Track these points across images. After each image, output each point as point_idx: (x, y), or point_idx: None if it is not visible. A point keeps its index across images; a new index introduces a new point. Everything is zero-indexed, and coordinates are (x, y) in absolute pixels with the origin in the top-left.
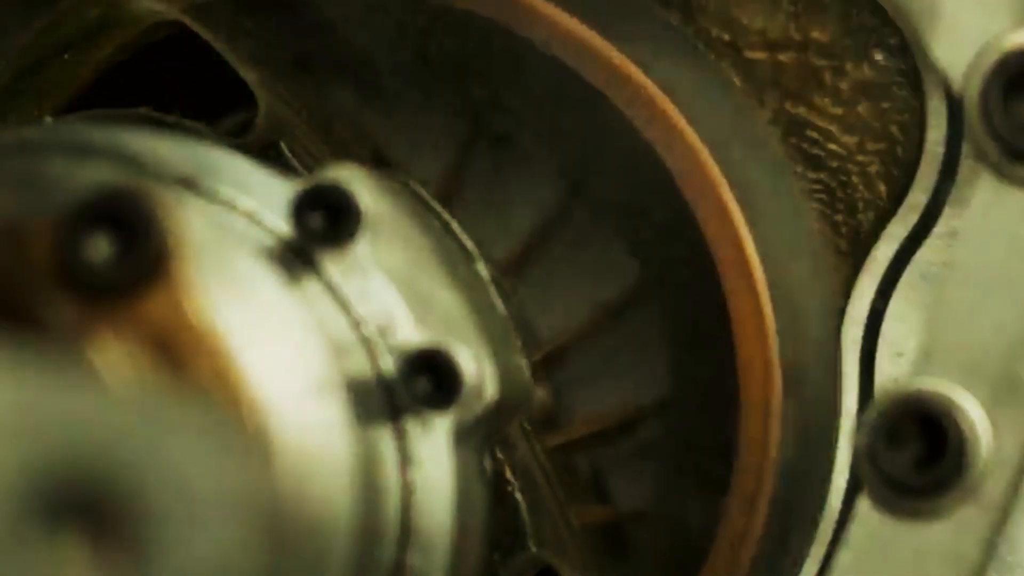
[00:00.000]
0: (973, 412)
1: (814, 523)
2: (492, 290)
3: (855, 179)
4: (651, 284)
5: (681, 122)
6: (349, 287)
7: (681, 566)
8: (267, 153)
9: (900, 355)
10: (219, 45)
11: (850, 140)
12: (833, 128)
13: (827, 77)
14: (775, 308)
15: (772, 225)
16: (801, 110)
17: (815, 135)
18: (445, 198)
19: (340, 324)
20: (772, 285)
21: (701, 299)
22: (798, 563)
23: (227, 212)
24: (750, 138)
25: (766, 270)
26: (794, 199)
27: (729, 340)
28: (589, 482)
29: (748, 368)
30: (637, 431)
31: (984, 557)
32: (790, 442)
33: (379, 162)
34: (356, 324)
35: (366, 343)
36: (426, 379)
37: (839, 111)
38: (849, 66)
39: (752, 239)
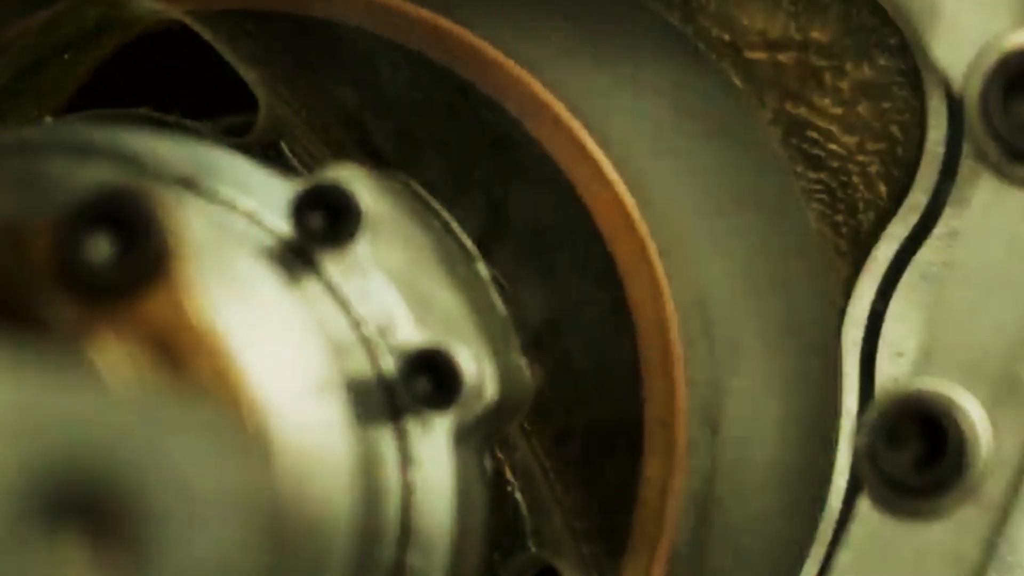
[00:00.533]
0: (973, 412)
1: (814, 523)
2: (492, 290)
3: (855, 179)
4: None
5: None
6: (349, 287)
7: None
8: (267, 153)
9: (900, 355)
10: (219, 45)
11: (850, 140)
12: (833, 128)
13: (827, 77)
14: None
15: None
16: (801, 110)
17: (815, 135)
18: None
19: (340, 324)
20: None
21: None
22: (799, 563)
23: (227, 212)
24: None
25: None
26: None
27: None
28: (588, 484)
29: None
30: None
31: (984, 557)
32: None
33: (379, 162)
34: (356, 324)
35: (366, 343)
36: (426, 379)
37: (839, 111)
38: (849, 66)
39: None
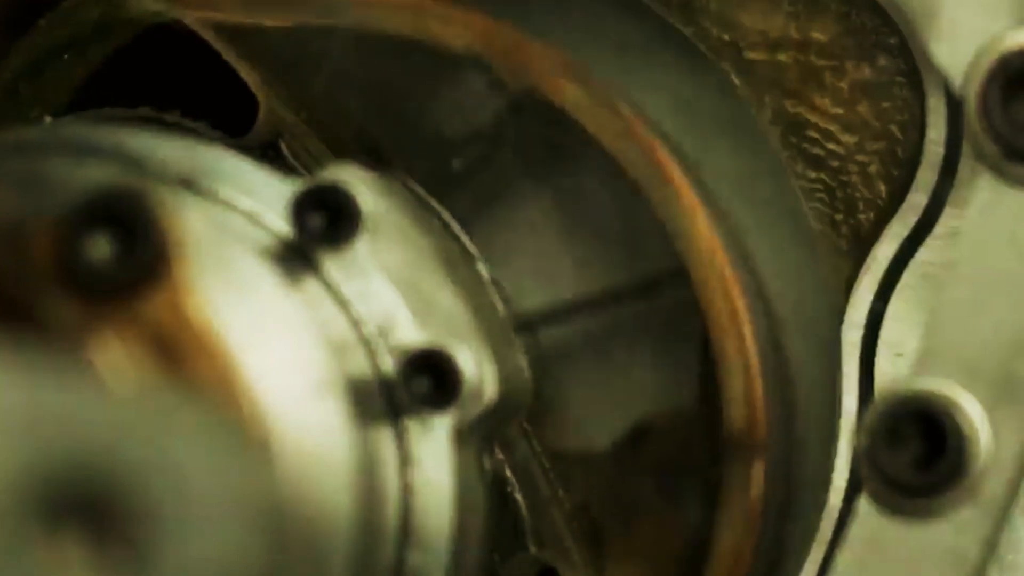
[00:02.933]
0: (973, 412)
1: (814, 523)
2: (492, 290)
3: (855, 179)
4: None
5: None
6: (349, 287)
7: (681, 566)
8: (267, 153)
9: (900, 355)
10: (219, 45)
11: (850, 140)
12: (833, 128)
13: (827, 77)
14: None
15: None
16: (801, 110)
17: (815, 135)
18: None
19: (340, 324)
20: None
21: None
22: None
23: (227, 212)
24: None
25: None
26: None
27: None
28: (588, 484)
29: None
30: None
31: (984, 556)
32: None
33: (379, 162)
34: (356, 324)
35: (366, 343)
36: (426, 379)
37: (839, 111)
38: (849, 66)
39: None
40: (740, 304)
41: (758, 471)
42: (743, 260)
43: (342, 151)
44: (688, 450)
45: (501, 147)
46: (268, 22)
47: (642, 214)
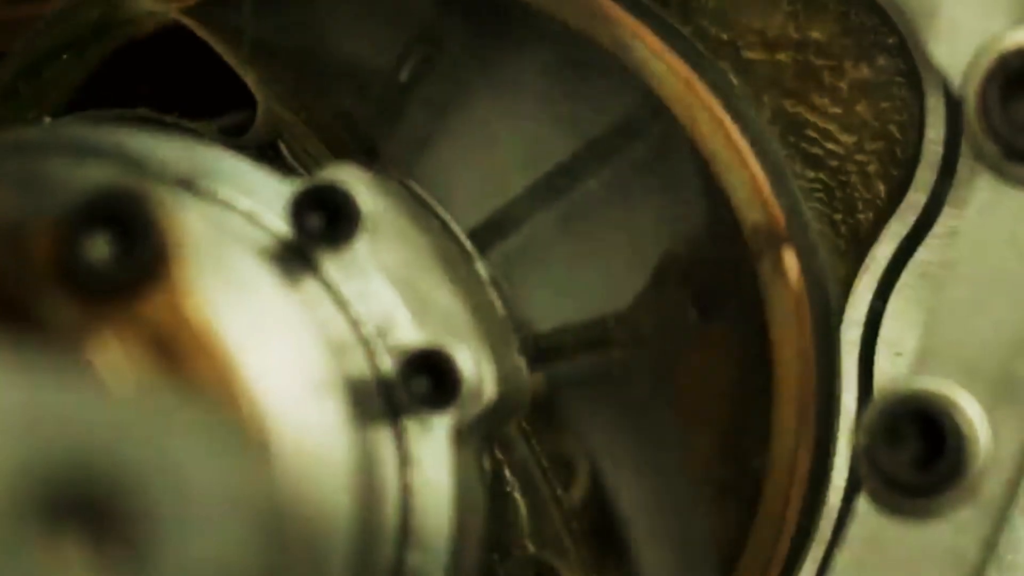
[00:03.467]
0: (972, 411)
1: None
2: (491, 290)
3: (854, 178)
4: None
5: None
6: (348, 287)
7: (680, 566)
8: (266, 153)
9: (899, 355)
10: (219, 45)
11: (849, 139)
12: (832, 127)
13: (826, 76)
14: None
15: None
16: (800, 109)
17: (814, 134)
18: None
19: (339, 324)
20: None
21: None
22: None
23: (226, 212)
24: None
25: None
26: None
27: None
28: (588, 484)
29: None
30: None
31: (983, 557)
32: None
33: (379, 162)
34: (355, 324)
35: (365, 343)
36: (425, 379)
37: (838, 110)
38: (848, 65)
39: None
40: (725, 117)
41: (791, 259)
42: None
43: (342, 151)
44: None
45: (441, 46)
46: None
47: (601, 68)
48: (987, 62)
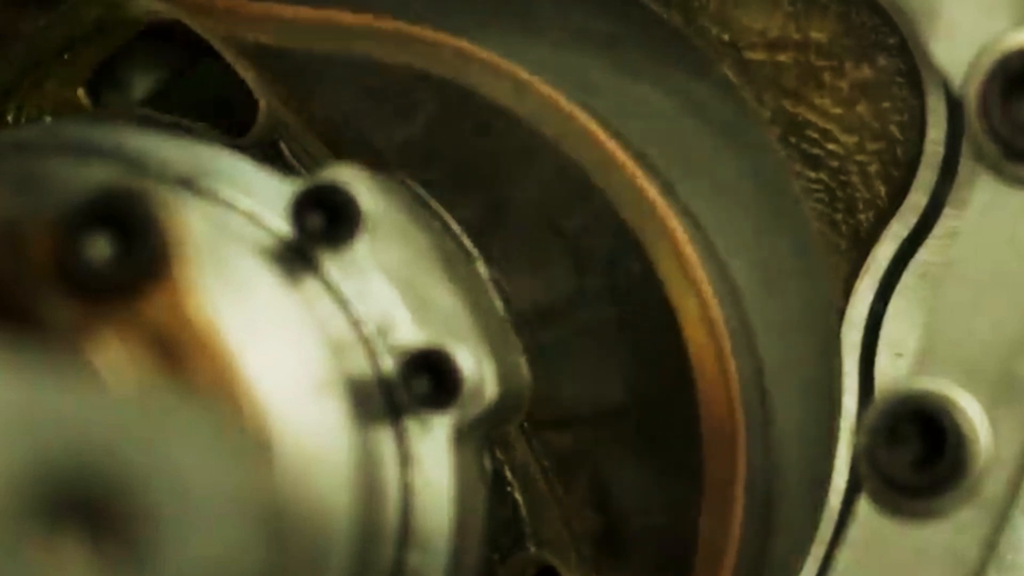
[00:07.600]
0: (972, 412)
1: (814, 523)
2: (492, 290)
3: (855, 179)
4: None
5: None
6: (348, 287)
7: (679, 566)
8: (267, 153)
9: (900, 355)
10: (219, 45)
11: (849, 140)
12: (832, 128)
13: (827, 77)
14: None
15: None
16: (801, 110)
17: (815, 135)
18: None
19: (339, 324)
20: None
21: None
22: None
23: (227, 212)
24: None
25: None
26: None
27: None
28: (587, 484)
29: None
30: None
31: (984, 557)
32: (758, 453)
33: (378, 162)
34: (355, 324)
35: (365, 343)
36: (425, 379)
37: (839, 111)
38: (848, 66)
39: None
40: (712, 302)
41: (740, 459)
42: (715, 264)
43: (342, 151)
44: (676, 441)
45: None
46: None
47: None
48: (988, 63)
